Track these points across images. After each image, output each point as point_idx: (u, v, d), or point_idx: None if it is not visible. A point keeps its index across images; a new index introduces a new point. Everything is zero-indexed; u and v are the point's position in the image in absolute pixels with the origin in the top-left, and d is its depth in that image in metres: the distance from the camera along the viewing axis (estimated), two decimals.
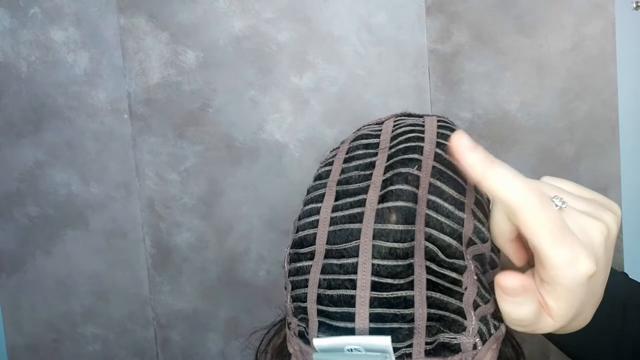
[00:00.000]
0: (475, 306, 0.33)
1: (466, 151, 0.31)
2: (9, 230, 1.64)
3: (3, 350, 1.66)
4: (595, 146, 1.51)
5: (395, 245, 0.33)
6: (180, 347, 1.66)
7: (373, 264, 0.33)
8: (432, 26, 1.53)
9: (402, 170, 0.35)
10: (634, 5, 1.48)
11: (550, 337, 0.43)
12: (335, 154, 0.40)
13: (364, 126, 0.43)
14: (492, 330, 0.34)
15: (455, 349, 0.33)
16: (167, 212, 1.62)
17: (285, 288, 0.37)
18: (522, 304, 0.32)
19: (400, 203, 0.33)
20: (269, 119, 1.58)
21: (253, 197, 1.60)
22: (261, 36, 1.55)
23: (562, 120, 1.51)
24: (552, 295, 0.32)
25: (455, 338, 0.33)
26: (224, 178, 1.60)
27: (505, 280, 0.31)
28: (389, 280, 0.32)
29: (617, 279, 0.44)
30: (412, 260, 0.32)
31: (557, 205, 0.33)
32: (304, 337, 0.35)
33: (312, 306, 0.34)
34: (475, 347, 0.33)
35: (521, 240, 0.35)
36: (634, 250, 1.55)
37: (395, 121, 0.41)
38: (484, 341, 0.34)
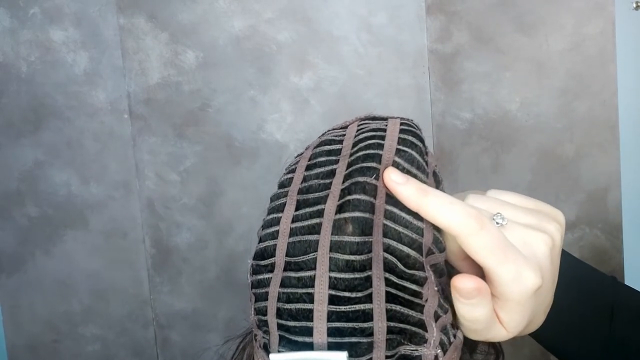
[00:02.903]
0: (437, 317, 0.33)
1: (397, 186, 0.33)
2: (8, 230, 1.64)
3: (3, 350, 1.66)
4: (595, 146, 1.51)
5: (352, 257, 0.32)
6: (179, 347, 1.66)
7: (330, 277, 0.32)
8: (432, 26, 1.53)
9: (360, 179, 0.34)
10: (634, 5, 1.48)
11: (539, 339, 0.44)
12: (299, 161, 0.39)
13: (328, 131, 0.42)
14: (452, 339, 0.34)
15: None
16: (166, 212, 1.62)
17: (250, 300, 0.36)
18: (477, 305, 0.33)
19: (357, 214, 0.33)
20: (268, 118, 1.57)
21: (253, 197, 1.60)
22: (261, 36, 1.55)
23: (562, 120, 1.51)
24: (503, 310, 0.34)
25: (416, 350, 0.32)
26: (224, 178, 1.60)
27: (462, 283, 0.32)
28: (347, 294, 0.32)
29: (605, 283, 0.44)
30: (369, 273, 0.32)
31: (498, 224, 0.34)
32: (267, 349, 0.34)
33: (272, 320, 0.33)
34: (436, 358, 0.33)
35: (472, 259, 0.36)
36: (634, 250, 1.55)
37: (359, 125, 0.39)
38: (445, 351, 0.33)
